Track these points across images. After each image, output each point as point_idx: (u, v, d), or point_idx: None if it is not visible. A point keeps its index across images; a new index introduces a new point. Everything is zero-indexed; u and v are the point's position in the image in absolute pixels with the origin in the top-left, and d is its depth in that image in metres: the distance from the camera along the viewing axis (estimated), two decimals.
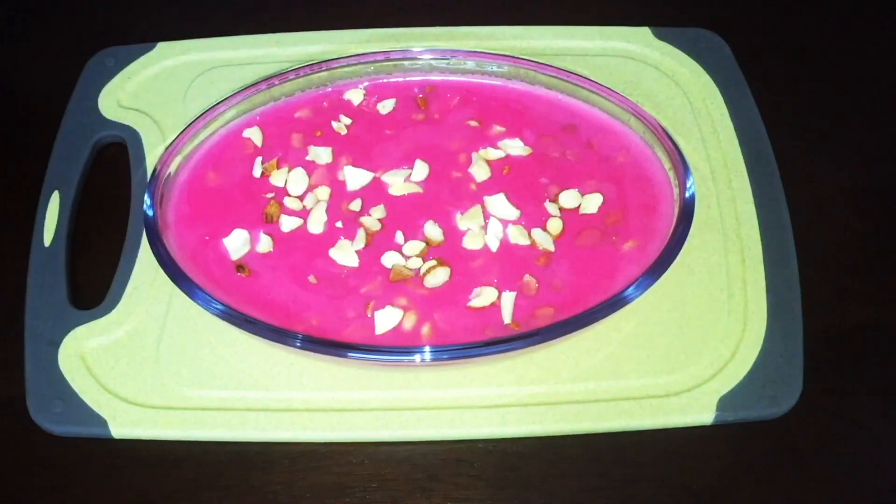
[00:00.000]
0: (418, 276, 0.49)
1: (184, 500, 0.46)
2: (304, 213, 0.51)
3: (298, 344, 0.44)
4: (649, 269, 0.46)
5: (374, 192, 0.52)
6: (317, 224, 0.51)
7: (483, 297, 0.48)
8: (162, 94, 0.59)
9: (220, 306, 0.45)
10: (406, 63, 0.56)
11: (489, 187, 0.52)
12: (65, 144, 0.57)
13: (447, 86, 0.57)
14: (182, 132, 0.52)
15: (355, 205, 0.51)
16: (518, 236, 0.50)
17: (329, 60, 0.56)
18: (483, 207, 0.51)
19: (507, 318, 0.47)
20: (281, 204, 0.52)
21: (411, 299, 0.48)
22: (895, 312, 0.52)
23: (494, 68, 0.56)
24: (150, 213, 0.49)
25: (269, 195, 0.52)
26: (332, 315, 0.47)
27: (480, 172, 0.53)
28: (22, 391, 0.48)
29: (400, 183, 0.52)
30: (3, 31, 0.66)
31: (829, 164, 0.58)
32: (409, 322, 0.47)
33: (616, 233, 0.50)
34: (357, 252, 0.49)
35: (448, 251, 0.50)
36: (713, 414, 0.47)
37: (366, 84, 0.57)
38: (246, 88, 0.54)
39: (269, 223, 0.51)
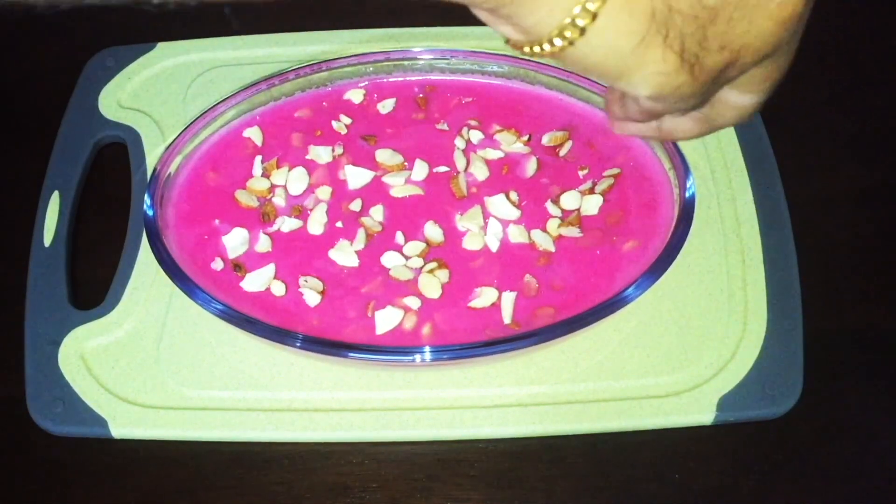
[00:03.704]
0: (418, 277, 0.49)
1: (184, 500, 0.46)
2: (301, 214, 0.51)
3: (298, 344, 0.44)
4: (649, 269, 0.46)
5: (374, 193, 0.52)
6: (317, 224, 0.51)
7: (483, 297, 0.48)
8: (162, 94, 0.59)
9: (220, 306, 0.45)
10: (406, 63, 0.56)
11: (489, 187, 0.52)
12: (65, 144, 0.57)
13: (447, 86, 0.57)
14: (182, 132, 0.52)
15: (355, 205, 0.51)
16: (518, 236, 0.50)
17: (329, 60, 0.56)
18: (483, 208, 0.51)
19: (507, 318, 0.47)
20: (275, 204, 0.52)
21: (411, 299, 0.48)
22: (895, 313, 0.52)
23: (494, 68, 0.56)
24: (150, 213, 0.49)
25: (269, 195, 0.52)
26: (332, 315, 0.47)
27: (480, 172, 0.53)
28: (22, 391, 0.48)
29: (400, 183, 0.52)
30: (4, 31, 0.66)
31: (829, 164, 0.58)
32: (410, 322, 0.47)
33: (616, 233, 0.50)
34: (357, 252, 0.49)
35: (448, 252, 0.50)
36: (713, 414, 0.47)
37: (366, 84, 0.57)
38: (246, 88, 0.54)
39: (266, 222, 0.51)
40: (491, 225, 0.50)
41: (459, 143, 0.54)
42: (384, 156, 0.53)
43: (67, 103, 0.59)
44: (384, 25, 0.62)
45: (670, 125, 0.39)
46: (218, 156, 0.53)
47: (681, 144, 0.51)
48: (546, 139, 0.54)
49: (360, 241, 0.50)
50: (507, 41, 0.33)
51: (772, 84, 0.34)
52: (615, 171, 0.52)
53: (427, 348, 0.44)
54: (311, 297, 0.48)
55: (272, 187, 0.52)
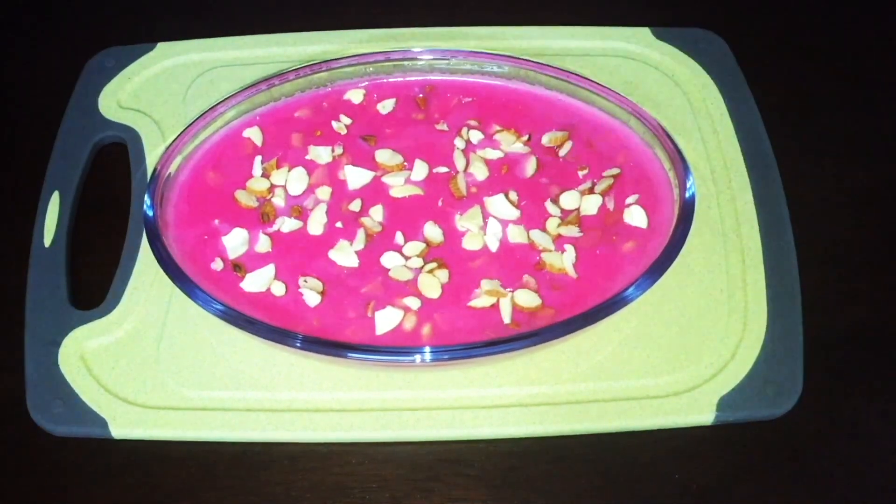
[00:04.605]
0: (418, 277, 0.49)
1: (184, 500, 0.46)
2: (301, 214, 0.51)
3: (298, 344, 0.44)
4: (649, 269, 0.46)
5: (374, 193, 0.52)
6: (317, 225, 0.51)
7: (483, 297, 0.48)
8: (162, 94, 0.59)
9: (220, 306, 0.45)
10: (406, 63, 0.56)
11: (488, 187, 0.52)
12: (65, 144, 0.57)
13: (447, 86, 0.57)
14: (182, 132, 0.52)
15: (355, 205, 0.51)
16: (517, 236, 0.50)
17: (329, 60, 0.56)
18: (482, 208, 0.51)
19: (506, 318, 0.47)
20: (275, 204, 0.52)
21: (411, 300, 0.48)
22: (895, 313, 0.52)
23: (494, 68, 0.56)
24: (150, 213, 0.49)
25: (268, 195, 0.52)
26: (333, 315, 0.47)
27: (479, 172, 0.53)
28: (22, 391, 0.48)
29: (400, 184, 0.52)
30: (4, 31, 0.66)
31: (829, 164, 0.58)
32: (410, 322, 0.47)
33: (616, 233, 0.50)
34: (357, 252, 0.49)
35: (448, 251, 0.50)
36: (713, 414, 0.47)
37: (366, 84, 0.57)
38: (246, 88, 0.54)
39: (266, 223, 0.51)
40: (490, 225, 0.50)
41: (459, 143, 0.54)
42: (384, 156, 0.53)
43: (67, 103, 0.59)
44: (384, 25, 0.62)
45: None
46: (218, 156, 0.53)
47: (681, 144, 0.51)
48: (546, 139, 0.54)
49: (359, 242, 0.50)
50: None
51: None
52: (615, 171, 0.52)
53: (427, 348, 0.44)
54: (311, 298, 0.48)
55: (272, 187, 0.52)
